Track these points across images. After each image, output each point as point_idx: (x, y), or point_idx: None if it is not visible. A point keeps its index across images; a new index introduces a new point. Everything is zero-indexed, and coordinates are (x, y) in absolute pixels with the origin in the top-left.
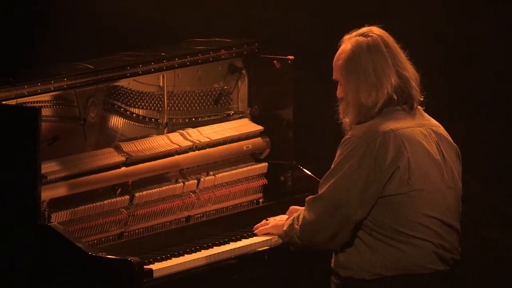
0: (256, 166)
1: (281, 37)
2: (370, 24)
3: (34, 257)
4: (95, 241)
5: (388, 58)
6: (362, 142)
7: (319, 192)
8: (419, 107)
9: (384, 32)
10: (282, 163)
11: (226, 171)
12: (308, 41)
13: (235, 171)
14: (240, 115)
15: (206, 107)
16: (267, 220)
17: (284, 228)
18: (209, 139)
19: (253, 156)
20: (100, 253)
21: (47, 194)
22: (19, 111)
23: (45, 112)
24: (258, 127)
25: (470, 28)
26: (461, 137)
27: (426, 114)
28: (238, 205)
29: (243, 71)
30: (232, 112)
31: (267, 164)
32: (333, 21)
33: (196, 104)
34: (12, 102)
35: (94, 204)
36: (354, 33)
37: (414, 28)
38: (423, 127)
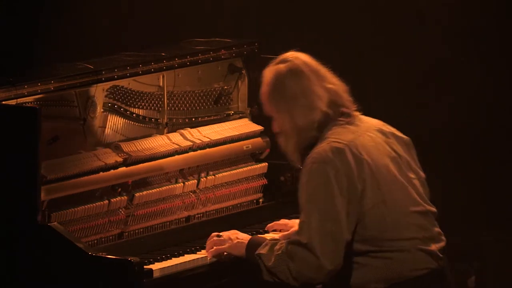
0: (256, 166)
1: (281, 37)
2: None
3: (34, 257)
4: (95, 241)
5: (312, 76)
6: (326, 166)
7: (305, 234)
8: (356, 113)
9: (300, 53)
10: (282, 163)
11: (226, 171)
12: (307, 41)
13: (235, 171)
14: (240, 115)
15: (206, 107)
16: (219, 236)
17: (268, 264)
18: (209, 139)
19: (253, 156)
20: (100, 253)
21: (47, 194)
22: (19, 111)
23: (45, 112)
24: (258, 127)
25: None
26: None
27: (365, 117)
28: (238, 205)
29: (243, 71)
30: (232, 112)
31: (267, 164)
32: (333, 21)
33: (196, 104)
34: (12, 102)
35: (94, 204)
36: (271, 64)
37: (414, 26)
38: (368, 131)
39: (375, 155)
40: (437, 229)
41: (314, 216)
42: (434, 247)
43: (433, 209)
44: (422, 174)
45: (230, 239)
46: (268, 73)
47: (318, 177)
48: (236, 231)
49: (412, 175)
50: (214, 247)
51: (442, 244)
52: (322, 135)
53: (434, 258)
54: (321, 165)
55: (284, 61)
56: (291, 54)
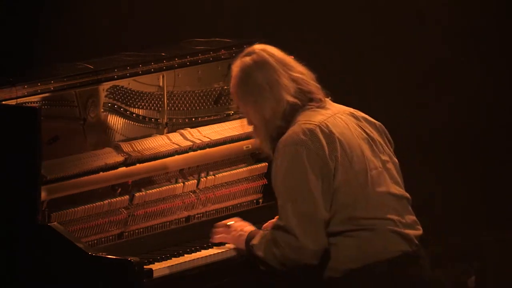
0: (256, 166)
1: (281, 37)
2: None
3: (34, 257)
4: (95, 241)
5: (278, 67)
6: (297, 147)
7: (283, 217)
8: (326, 98)
9: (266, 45)
10: None
11: (226, 171)
12: (307, 41)
13: (235, 171)
14: (240, 115)
15: (206, 107)
16: (228, 224)
17: (259, 253)
18: (209, 139)
19: (253, 156)
20: (100, 253)
21: (47, 194)
22: (19, 111)
23: (45, 112)
24: None
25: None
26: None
27: (335, 103)
28: (238, 205)
29: None
30: (232, 112)
31: (267, 164)
32: (333, 21)
33: (196, 104)
34: (12, 102)
35: (94, 204)
36: (238, 58)
37: (413, 25)
38: (339, 114)
39: (347, 135)
40: (412, 217)
41: (289, 199)
42: (408, 231)
43: (407, 195)
44: (395, 159)
45: (235, 230)
46: (235, 67)
47: (291, 159)
48: (246, 223)
49: (385, 158)
50: (221, 235)
51: (418, 232)
52: (292, 121)
53: (408, 242)
54: (293, 147)
55: (249, 53)
56: (257, 46)
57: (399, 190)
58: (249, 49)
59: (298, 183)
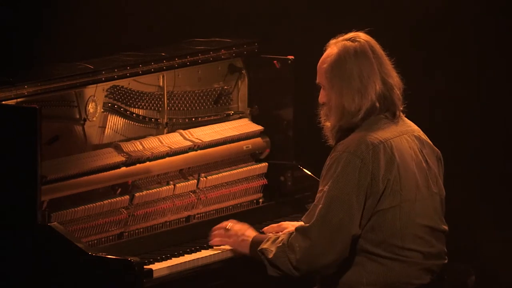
0: (256, 166)
1: (281, 37)
2: (357, 30)
3: (34, 257)
4: (95, 241)
5: (375, 64)
6: (355, 158)
7: (316, 215)
8: (401, 113)
9: (371, 38)
10: (282, 163)
11: (226, 171)
12: (308, 41)
13: (235, 171)
14: (240, 115)
15: (206, 107)
16: (228, 228)
17: (270, 256)
18: (209, 139)
19: (253, 156)
20: (100, 253)
21: (47, 194)
22: (19, 111)
23: (45, 112)
24: (258, 127)
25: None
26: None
27: (407, 120)
28: (238, 205)
29: (243, 71)
30: (232, 112)
31: (267, 164)
32: (333, 21)
33: (196, 104)
34: (12, 102)
35: (94, 204)
36: (340, 38)
37: (413, 29)
38: (407, 135)
39: (407, 160)
40: (443, 248)
41: (326, 202)
42: (433, 263)
43: (446, 227)
44: (443, 191)
45: (236, 235)
46: (334, 46)
47: (344, 166)
48: (246, 226)
49: (435, 190)
50: (220, 238)
51: (442, 261)
52: (362, 124)
53: (430, 274)
54: (351, 155)
55: (353, 40)
56: (362, 36)
57: (438, 223)
58: (354, 34)
59: (341, 192)
